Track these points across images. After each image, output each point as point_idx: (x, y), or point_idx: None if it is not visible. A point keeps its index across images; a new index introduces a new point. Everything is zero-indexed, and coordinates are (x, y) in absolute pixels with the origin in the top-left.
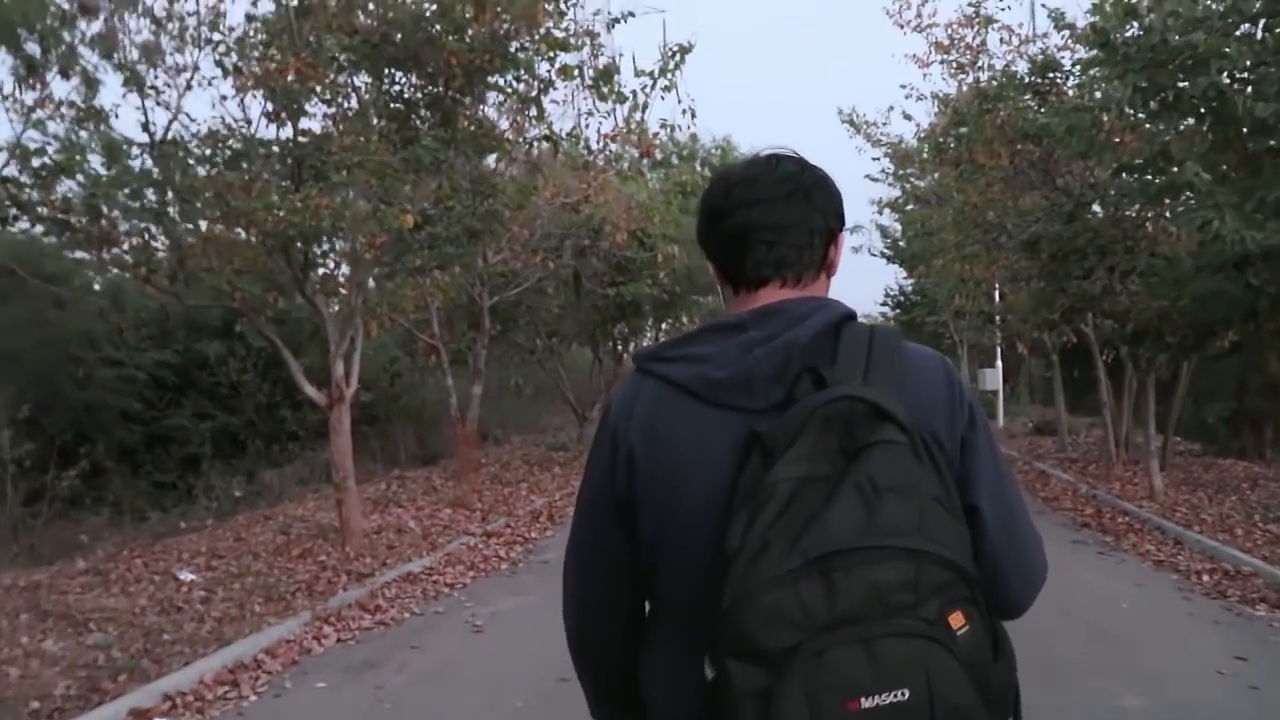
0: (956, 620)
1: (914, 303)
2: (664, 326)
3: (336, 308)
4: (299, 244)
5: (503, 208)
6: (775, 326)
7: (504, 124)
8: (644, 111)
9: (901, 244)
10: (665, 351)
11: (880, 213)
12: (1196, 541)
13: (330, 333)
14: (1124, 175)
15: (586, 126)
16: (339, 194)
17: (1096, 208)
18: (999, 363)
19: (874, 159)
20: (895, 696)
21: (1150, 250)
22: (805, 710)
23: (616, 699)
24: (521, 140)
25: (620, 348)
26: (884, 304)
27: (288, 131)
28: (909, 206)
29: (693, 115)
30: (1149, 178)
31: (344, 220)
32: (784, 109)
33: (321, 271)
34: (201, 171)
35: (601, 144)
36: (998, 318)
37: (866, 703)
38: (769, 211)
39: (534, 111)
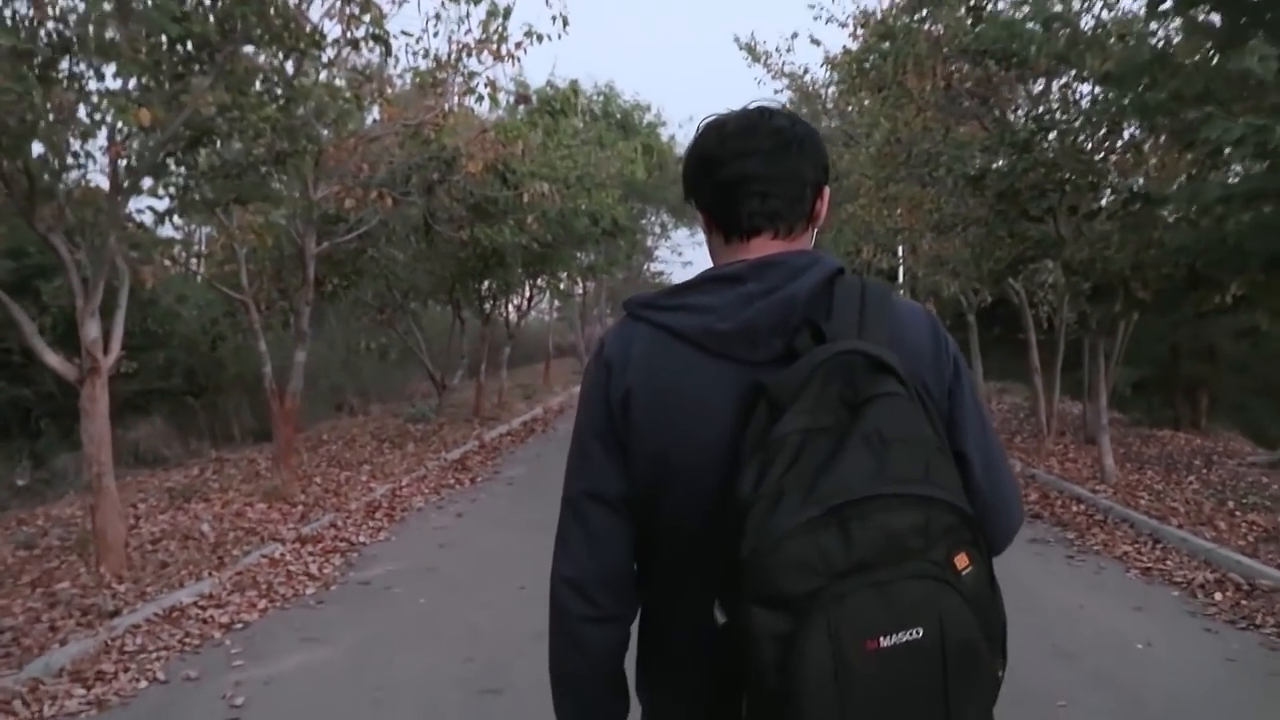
0: (961, 561)
1: None
2: (538, 283)
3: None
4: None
5: (314, 119)
6: (774, 279)
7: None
8: (505, 18)
9: None
10: (662, 300)
11: None
12: (1180, 540)
13: (74, 282)
14: (1105, 85)
15: (435, 34)
16: (19, 77)
17: (1052, 137)
18: None
19: (775, 92)
20: (910, 635)
21: (1129, 187)
22: (828, 651)
23: (608, 671)
24: (343, 39)
25: (490, 306)
26: None
27: None
28: None
29: (565, 24)
30: (1138, 90)
31: (30, 111)
32: (673, 34)
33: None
34: None
35: (453, 55)
36: (901, 273)
37: (885, 642)
38: (763, 163)
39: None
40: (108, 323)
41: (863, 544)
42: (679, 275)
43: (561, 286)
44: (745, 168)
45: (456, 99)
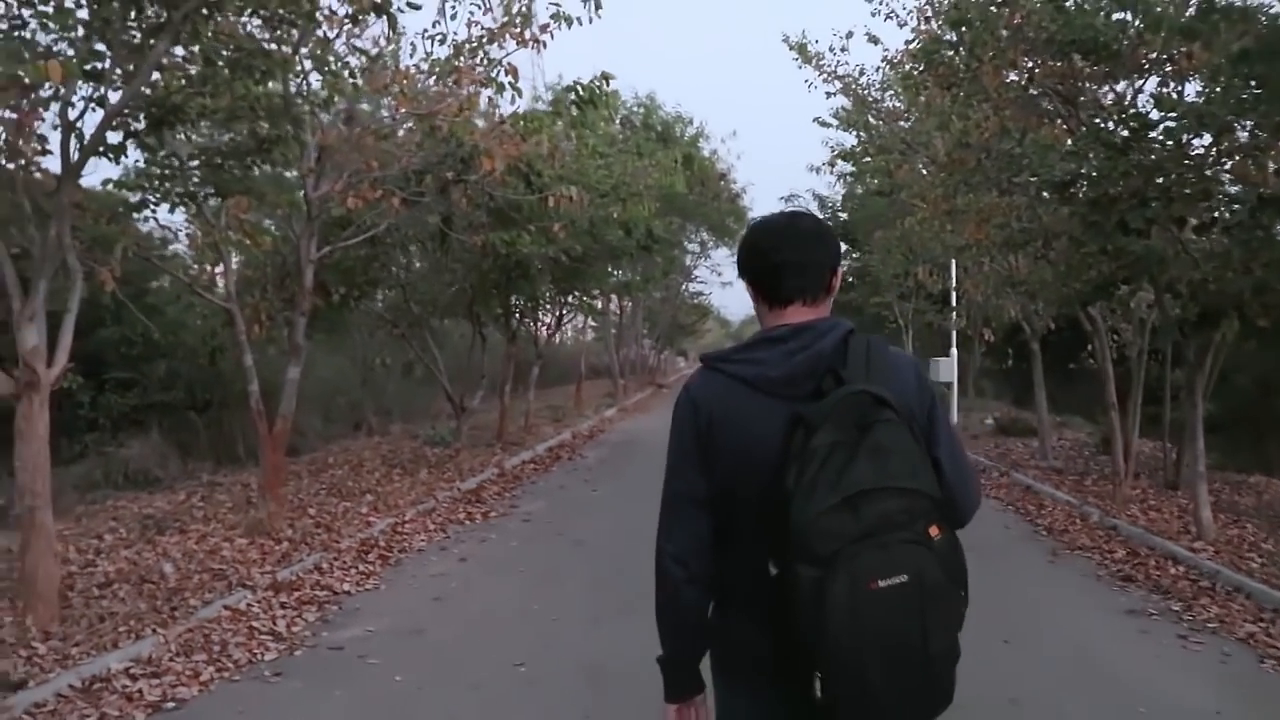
0: (934, 531)
1: (851, 284)
2: (569, 300)
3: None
4: None
5: (299, 100)
6: (807, 340)
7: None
8: None
9: (843, 215)
10: (731, 355)
11: (832, 165)
12: None
13: (8, 279)
14: (1240, 66)
15: (452, 16)
16: None
17: (1155, 135)
18: (954, 351)
19: (828, 95)
20: (899, 579)
21: (1257, 194)
22: (846, 589)
23: (698, 611)
24: (345, 15)
25: (517, 321)
26: None
27: None
28: (865, 159)
29: (597, 6)
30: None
31: None
32: (718, 48)
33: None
34: None
35: (471, 40)
36: (954, 297)
37: (883, 583)
38: (796, 252)
39: None
40: (53, 331)
41: (868, 520)
42: (719, 296)
43: (595, 304)
44: (784, 256)
45: (474, 87)
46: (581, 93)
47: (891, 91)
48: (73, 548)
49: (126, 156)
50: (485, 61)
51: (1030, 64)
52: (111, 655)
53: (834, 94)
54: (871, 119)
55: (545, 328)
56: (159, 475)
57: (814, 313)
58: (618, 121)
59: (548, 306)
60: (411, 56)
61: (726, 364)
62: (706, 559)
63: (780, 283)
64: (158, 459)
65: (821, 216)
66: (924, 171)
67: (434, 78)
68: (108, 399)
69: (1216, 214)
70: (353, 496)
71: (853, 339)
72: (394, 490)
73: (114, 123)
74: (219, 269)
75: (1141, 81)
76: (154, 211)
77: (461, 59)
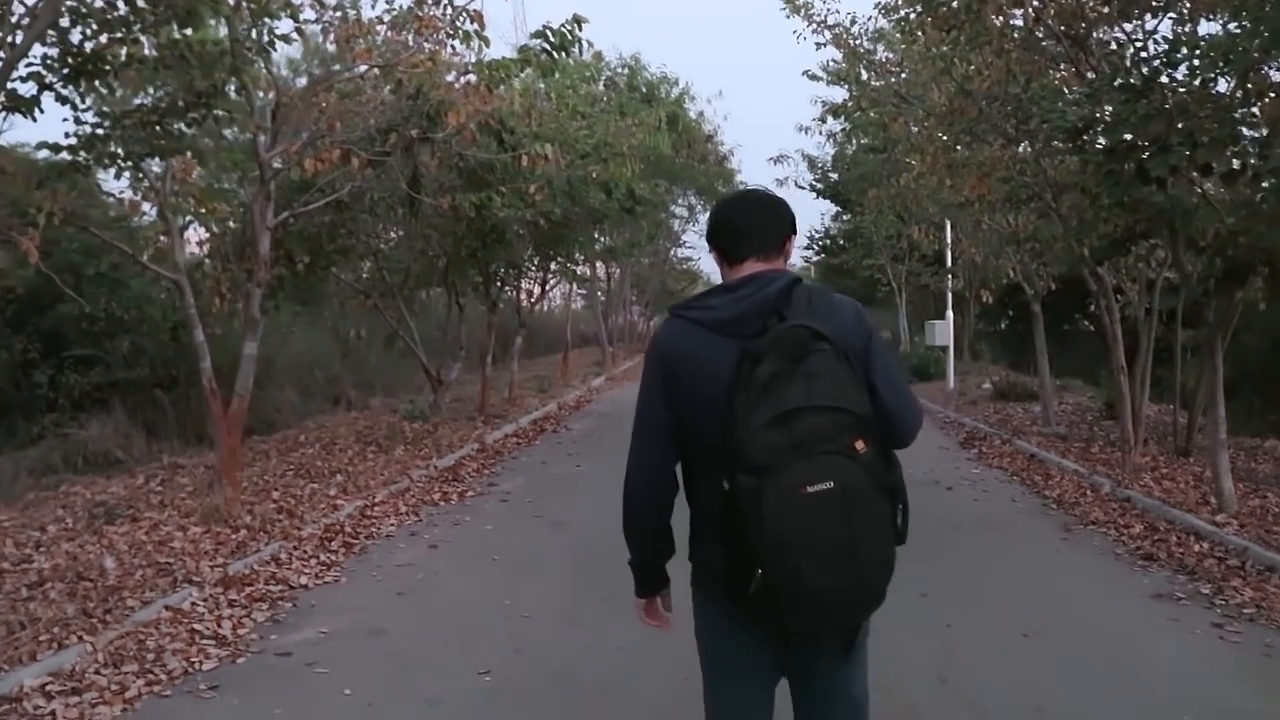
0: (860, 445)
1: (843, 246)
2: (552, 267)
3: None
4: None
5: (244, 45)
6: (755, 287)
7: None
8: None
9: (834, 176)
10: (690, 303)
11: (823, 121)
12: None
13: None
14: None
15: None
16: None
17: (1179, 75)
18: (949, 314)
19: (817, 47)
20: (825, 485)
21: None
22: (779, 494)
23: (656, 527)
24: None
25: (498, 289)
26: (808, 248)
27: None
28: (856, 114)
29: None
30: None
31: None
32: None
33: None
34: None
35: None
36: (949, 257)
37: (810, 489)
38: (748, 217)
39: None
40: None
41: (797, 434)
42: (708, 261)
43: (577, 270)
44: (738, 221)
45: (439, 35)
46: (551, 38)
47: (884, 43)
48: (10, 541)
49: (42, 110)
50: (449, 9)
51: (1036, 3)
52: (27, 669)
53: (824, 45)
54: (863, 71)
55: (529, 296)
56: (120, 457)
57: (767, 267)
58: (601, 83)
59: (531, 274)
60: (373, 7)
61: (687, 311)
62: (668, 480)
63: (734, 243)
64: (120, 440)
65: (811, 177)
66: (914, 128)
67: (395, 29)
68: (67, 377)
69: (1244, 161)
70: (321, 477)
71: (797, 286)
72: (366, 469)
73: (24, 72)
74: (183, 236)
75: (1156, 21)
76: (85, 174)
77: (424, 7)
